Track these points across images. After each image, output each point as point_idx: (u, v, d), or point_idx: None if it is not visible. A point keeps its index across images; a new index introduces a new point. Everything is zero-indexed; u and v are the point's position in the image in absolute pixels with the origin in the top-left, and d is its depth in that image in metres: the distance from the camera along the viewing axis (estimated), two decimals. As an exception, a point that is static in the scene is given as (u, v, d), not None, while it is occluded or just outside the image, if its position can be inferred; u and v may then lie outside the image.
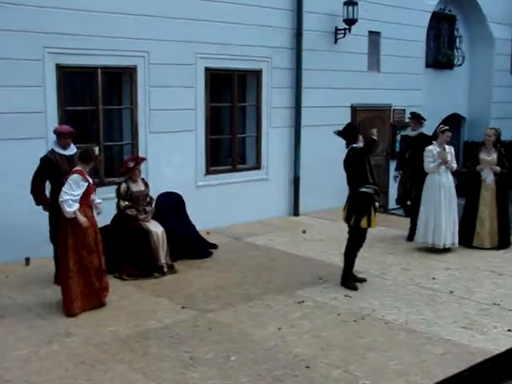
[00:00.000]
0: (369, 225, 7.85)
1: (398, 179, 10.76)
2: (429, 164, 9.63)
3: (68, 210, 6.72)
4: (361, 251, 8.87)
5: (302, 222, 11.80)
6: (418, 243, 9.87)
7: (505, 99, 17.54)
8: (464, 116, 17.36)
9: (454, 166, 9.78)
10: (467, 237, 9.96)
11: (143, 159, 8.82)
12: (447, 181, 9.69)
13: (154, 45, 10.00)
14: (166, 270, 8.40)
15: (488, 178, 9.99)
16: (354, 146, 7.98)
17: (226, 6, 10.84)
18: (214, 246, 9.78)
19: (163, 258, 8.42)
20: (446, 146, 9.73)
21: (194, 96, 10.74)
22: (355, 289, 7.89)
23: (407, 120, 13.98)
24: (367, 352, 5.99)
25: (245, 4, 11.10)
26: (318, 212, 12.39)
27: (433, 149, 9.64)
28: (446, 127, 9.91)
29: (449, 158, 9.63)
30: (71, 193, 6.75)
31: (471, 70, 17.37)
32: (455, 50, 16.69)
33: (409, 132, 10.76)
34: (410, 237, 10.38)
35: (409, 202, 10.71)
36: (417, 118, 10.57)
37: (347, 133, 8.14)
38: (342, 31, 12.69)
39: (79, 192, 6.80)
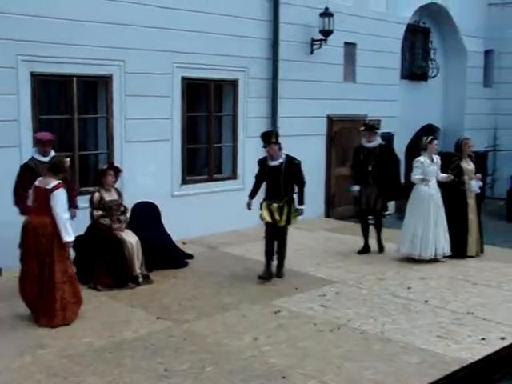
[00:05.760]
0: (261, 219, 8.74)
1: (357, 192, 10.25)
2: (416, 175, 9.65)
3: (70, 239, 6.78)
4: (336, 261, 9.00)
5: (278, 232, 11.73)
6: (403, 255, 9.78)
7: (478, 111, 17.71)
8: (438, 127, 17.50)
9: (440, 176, 9.84)
10: (460, 247, 9.92)
11: (119, 169, 8.74)
12: (435, 192, 9.71)
13: (130, 54, 9.93)
14: (141, 280, 8.31)
15: (475, 186, 10.06)
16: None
17: (202, 16, 10.80)
18: (190, 256, 9.71)
19: (138, 268, 8.33)
20: (434, 156, 9.78)
21: (171, 105, 10.68)
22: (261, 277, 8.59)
23: (385, 130, 14.11)
24: (343, 362, 5.95)
25: (221, 14, 11.08)
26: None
27: (424, 160, 9.65)
28: (432, 137, 10.03)
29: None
30: (65, 216, 6.75)
31: (445, 81, 17.53)
32: (429, 62, 16.84)
33: (364, 143, 10.23)
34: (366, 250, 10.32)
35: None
36: (371, 129, 10.19)
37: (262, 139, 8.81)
38: (318, 42, 12.73)
39: (67, 212, 6.86)
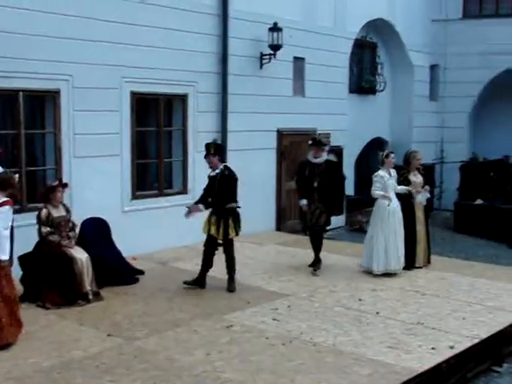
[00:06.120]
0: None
1: (306, 207, 10.00)
2: (376, 190, 9.72)
3: (3, 257, 6.50)
4: (288, 274, 9.01)
5: (229, 246, 11.72)
6: (379, 272, 9.67)
7: (424, 124, 18.12)
8: (387, 140, 17.78)
9: (398, 188, 9.94)
10: (408, 259, 9.99)
11: (66, 184, 8.64)
12: (397, 205, 9.80)
13: (77, 68, 9.82)
14: (91, 297, 8.18)
15: (422, 198, 10.21)
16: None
17: (151, 30, 10.77)
18: (141, 272, 9.60)
19: (88, 284, 8.20)
20: (392, 170, 9.90)
21: (120, 120, 10.58)
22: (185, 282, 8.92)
23: (334, 144, 14.28)
24: (295, 375, 5.96)
25: (170, 29, 11.07)
26: (244, 236, 12.30)
27: (384, 175, 9.73)
28: (388, 151, 10.17)
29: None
30: (5, 233, 6.49)
31: (393, 95, 17.87)
32: (377, 76, 17.14)
33: (311, 158, 10.03)
34: (315, 263, 10.11)
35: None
36: (318, 146, 10.00)
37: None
38: (268, 56, 12.82)
39: (8, 229, 6.60)
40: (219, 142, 9.07)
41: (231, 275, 8.93)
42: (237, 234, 8.90)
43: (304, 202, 10.02)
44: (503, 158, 17.28)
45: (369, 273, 9.75)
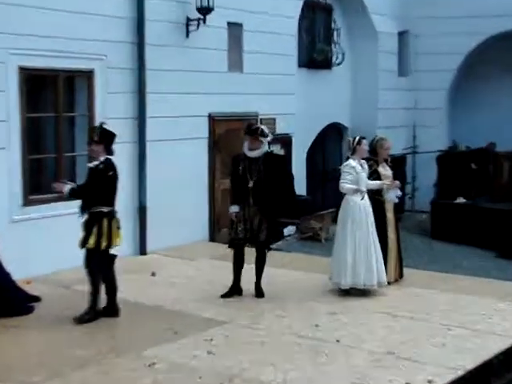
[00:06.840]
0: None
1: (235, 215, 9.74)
2: (346, 183, 9.66)
3: None
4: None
5: (150, 263, 11.68)
6: (346, 286, 9.72)
7: (392, 105, 18.30)
8: (346, 125, 17.96)
9: (371, 183, 9.97)
10: None
11: None
12: (369, 205, 9.77)
13: None
14: (-29, 332, 8.05)
15: (392, 195, 10.33)
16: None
17: (45, -11, 10.66)
18: (37, 299, 9.46)
19: (-33, 317, 8.06)
20: (363, 161, 9.88)
21: (6, 104, 10.39)
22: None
23: (281, 131, 14.36)
24: (236, 423, 5.97)
25: (70, -13, 10.98)
26: (169, 249, 12.32)
27: (356, 165, 9.68)
28: (359, 136, 10.06)
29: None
30: None
31: (353, 69, 18.08)
32: (333, 46, 17.27)
33: (246, 151, 9.70)
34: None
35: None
36: (254, 134, 9.62)
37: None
38: (195, 22, 12.81)
39: None
40: (108, 126, 8.86)
41: (108, 298, 8.96)
42: (108, 245, 8.69)
43: (235, 208, 9.73)
44: (488, 145, 17.67)
45: (325, 292, 9.84)
